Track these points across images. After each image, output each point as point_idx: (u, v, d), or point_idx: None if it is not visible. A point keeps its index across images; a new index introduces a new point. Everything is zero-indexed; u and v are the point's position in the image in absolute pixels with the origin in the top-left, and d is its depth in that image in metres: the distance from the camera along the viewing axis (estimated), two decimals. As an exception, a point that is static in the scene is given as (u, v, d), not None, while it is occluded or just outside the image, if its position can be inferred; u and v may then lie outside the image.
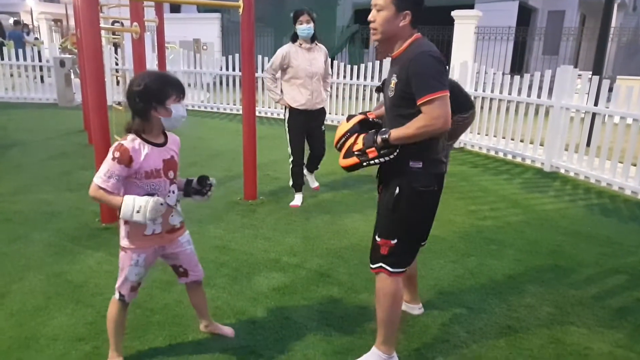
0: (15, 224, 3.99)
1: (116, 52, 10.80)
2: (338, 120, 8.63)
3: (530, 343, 2.57)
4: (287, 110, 4.56)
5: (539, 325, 2.73)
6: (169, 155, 2.15)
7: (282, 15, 14.32)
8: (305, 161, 4.74)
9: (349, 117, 2.29)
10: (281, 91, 4.59)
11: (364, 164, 2.14)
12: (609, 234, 4.12)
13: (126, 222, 2.12)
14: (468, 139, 7.28)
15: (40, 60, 10.73)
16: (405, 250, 2.23)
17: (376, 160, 2.11)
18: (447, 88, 2.00)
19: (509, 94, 6.73)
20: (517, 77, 6.70)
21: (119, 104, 4.90)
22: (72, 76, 10.72)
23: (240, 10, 4.34)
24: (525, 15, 18.38)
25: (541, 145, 6.47)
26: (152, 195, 2.03)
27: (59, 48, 13.76)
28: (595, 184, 5.60)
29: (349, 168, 2.19)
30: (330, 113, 8.60)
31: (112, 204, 2.02)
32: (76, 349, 2.40)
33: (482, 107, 7.05)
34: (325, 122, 4.82)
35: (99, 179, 2.00)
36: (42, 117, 9.06)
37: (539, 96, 6.41)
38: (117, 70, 10.48)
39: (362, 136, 2.15)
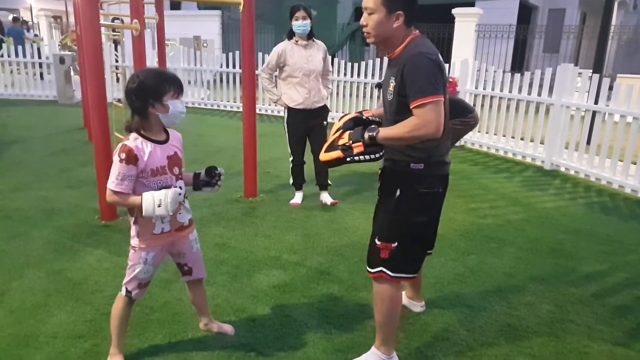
0: (15, 221, 3.98)
1: (116, 49, 10.79)
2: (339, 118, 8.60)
3: (531, 341, 2.57)
4: (286, 110, 4.46)
5: (539, 324, 2.73)
6: (172, 152, 2.14)
7: (283, 12, 14.19)
8: (305, 159, 4.67)
9: (342, 117, 2.19)
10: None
11: (348, 159, 2.02)
12: (609, 232, 4.12)
13: (135, 222, 2.12)
14: (468, 137, 7.27)
15: (39, 57, 10.70)
16: (406, 253, 2.17)
17: (361, 157, 2.00)
18: (442, 92, 1.93)
19: (510, 92, 6.72)
20: (517, 75, 6.68)
21: (119, 101, 4.88)
22: (72, 73, 10.70)
23: (241, 7, 4.33)
24: (525, 13, 18.37)
25: (541, 143, 6.47)
26: None
27: (59, 45, 13.72)
28: (595, 182, 5.59)
29: (330, 163, 2.07)
30: (330, 111, 8.55)
31: (132, 204, 2.02)
32: (75, 347, 2.40)
33: (482, 105, 7.04)
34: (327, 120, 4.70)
35: (112, 183, 1.99)
36: (41, 114, 9.05)
37: (539, 94, 6.40)
38: (117, 68, 10.46)
39: (348, 132, 2.07)
